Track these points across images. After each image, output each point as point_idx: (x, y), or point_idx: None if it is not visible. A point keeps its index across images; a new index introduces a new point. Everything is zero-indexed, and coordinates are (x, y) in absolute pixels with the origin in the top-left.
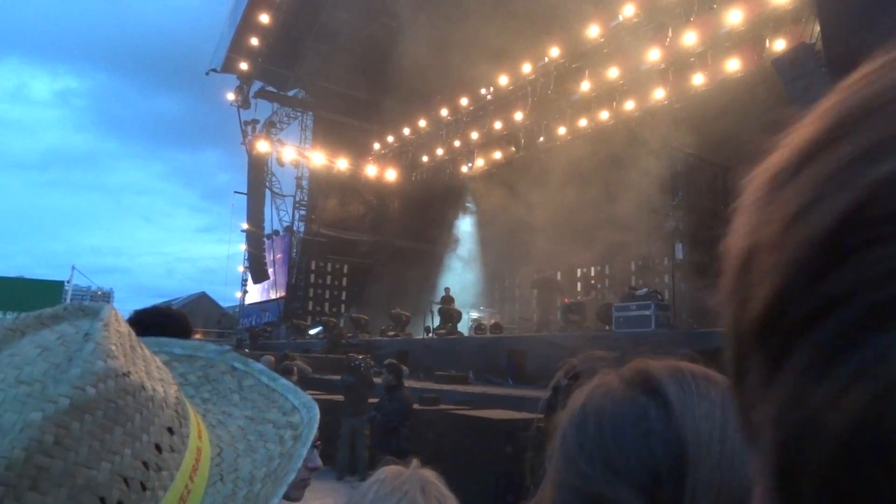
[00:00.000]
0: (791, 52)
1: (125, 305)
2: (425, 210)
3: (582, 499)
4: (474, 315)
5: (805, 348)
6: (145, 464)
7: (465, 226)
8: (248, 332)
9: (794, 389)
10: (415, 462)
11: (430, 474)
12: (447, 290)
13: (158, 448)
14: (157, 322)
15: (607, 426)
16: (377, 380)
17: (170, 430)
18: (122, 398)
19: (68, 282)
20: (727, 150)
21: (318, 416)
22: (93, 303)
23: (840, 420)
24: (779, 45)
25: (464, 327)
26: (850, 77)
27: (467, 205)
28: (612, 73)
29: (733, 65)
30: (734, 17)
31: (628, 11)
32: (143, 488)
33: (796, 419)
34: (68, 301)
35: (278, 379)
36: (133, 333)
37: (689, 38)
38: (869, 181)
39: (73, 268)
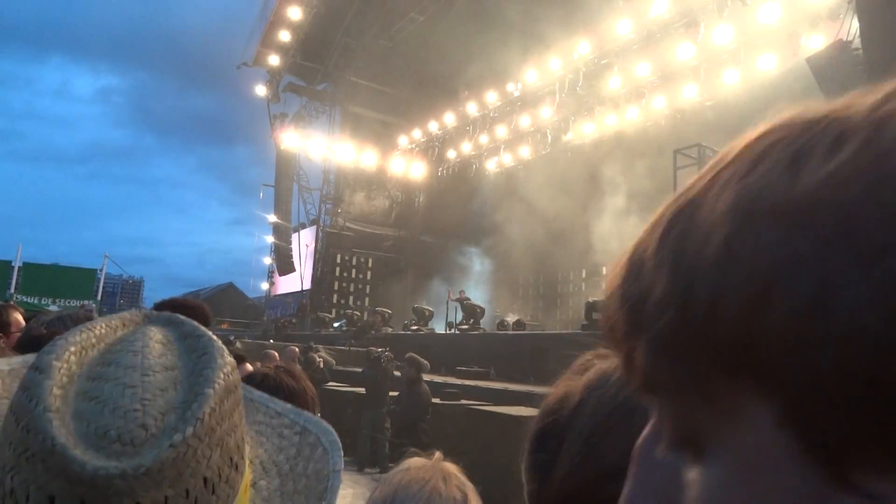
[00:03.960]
0: (827, 51)
1: (156, 294)
2: (451, 205)
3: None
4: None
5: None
6: (243, 438)
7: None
8: (274, 324)
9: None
10: (437, 454)
11: (451, 466)
12: (461, 292)
13: (244, 427)
14: (180, 314)
15: (531, 433)
16: (398, 373)
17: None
18: (239, 387)
19: (101, 270)
20: None
21: (316, 419)
22: (156, 312)
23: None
24: (815, 42)
25: (486, 324)
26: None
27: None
28: (643, 69)
29: (767, 62)
30: (768, 13)
31: (660, 6)
32: (242, 457)
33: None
34: (100, 288)
35: (252, 390)
36: None
37: (722, 35)
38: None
39: (106, 256)
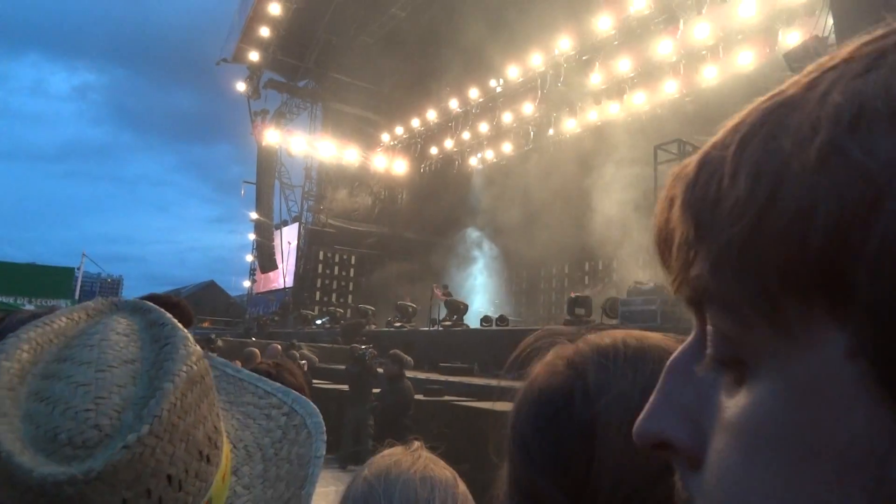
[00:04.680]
0: (803, 46)
1: (135, 293)
2: (434, 202)
3: (512, 484)
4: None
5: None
6: (216, 428)
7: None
8: (256, 322)
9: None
10: (417, 443)
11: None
12: (445, 286)
13: (217, 415)
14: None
15: (531, 414)
16: (381, 370)
17: (217, 402)
18: (207, 376)
19: (78, 269)
20: None
21: (304, 399)
22: (123, 298)
23: None
24: (791, 38)
25: (472, 320)
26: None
27: (475, 197)
28: (623, 65)
29: (745, 58)
30: (747, 10)
31: (640, 3)
32: (216, 447)
33: None
34: (78, 287)
35: (242, 370)
36: None
37: (701, 31)
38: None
39: (84, 255)
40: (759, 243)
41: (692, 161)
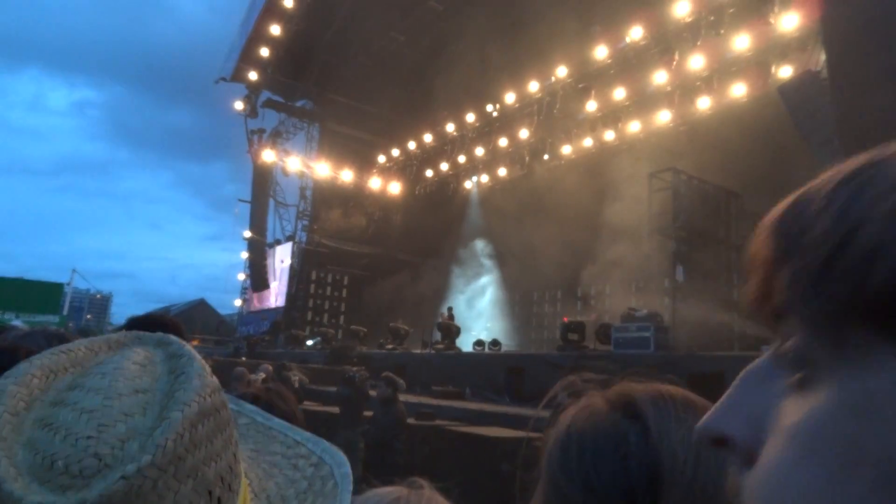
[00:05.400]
0: (796, 80)
1: (125, 310)
2: (428, 224)
3: None
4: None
5: None
6: (231, 468)
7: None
8: (246, 341)
9: None
10: (424, 483)
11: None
12: (450, 309)
13: (235, 456)
14: (154, 331)
15: (588, 449)
16: (373, 393)
17: (236, 443)
18: (222, 410)
19: (68, 284)
20: (730, 174)
21: (334, 449)
22: (148, 333)
23: None
24: (785, 71)
25: (465, 344)
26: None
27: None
28: (619, 94)
29: (739, 90)
30: (741, 43)
31: (636, 34)
32: (230, 489)
33: None
34: (67, 303)
35: (272, 418)
36: None
37: (696, 62)
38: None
39: (74, 270)
40: (832, 272)
41: (788, 198)
